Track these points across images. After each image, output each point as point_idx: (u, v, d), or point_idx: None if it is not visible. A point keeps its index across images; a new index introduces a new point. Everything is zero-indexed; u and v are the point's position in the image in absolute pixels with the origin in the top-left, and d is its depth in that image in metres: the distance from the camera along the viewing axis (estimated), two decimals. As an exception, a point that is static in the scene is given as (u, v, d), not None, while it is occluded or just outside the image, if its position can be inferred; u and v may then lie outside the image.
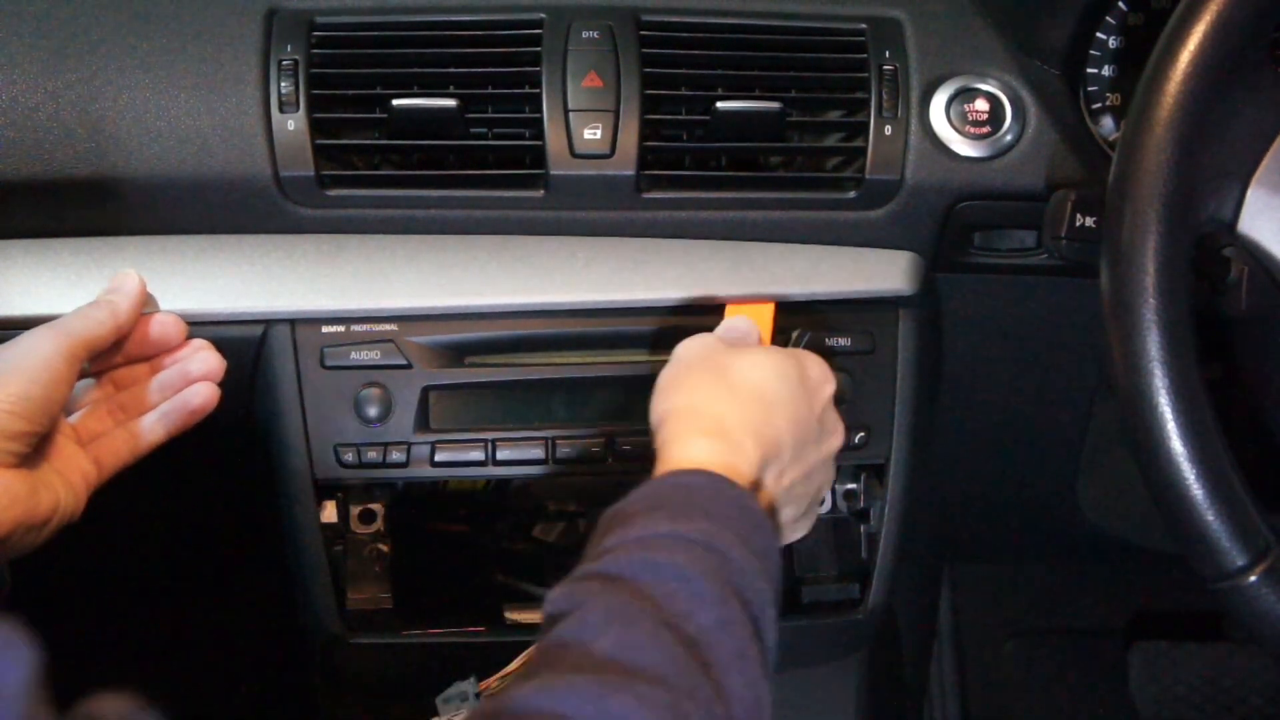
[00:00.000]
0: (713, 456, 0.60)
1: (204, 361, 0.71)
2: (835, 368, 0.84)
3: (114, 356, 0.70)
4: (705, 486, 0.58)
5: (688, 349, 0.70)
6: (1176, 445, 0.60)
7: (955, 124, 0.80)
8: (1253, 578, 0.61)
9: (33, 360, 0.62)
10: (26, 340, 0.64)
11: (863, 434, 0.86)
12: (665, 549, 0.53)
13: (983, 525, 1.21)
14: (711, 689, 0.48)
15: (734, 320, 0.77)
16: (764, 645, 0.53)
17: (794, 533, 0.70)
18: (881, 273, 0.83)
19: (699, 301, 0.82)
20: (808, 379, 0.68)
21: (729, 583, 0.53)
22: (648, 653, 0.48)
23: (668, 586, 0.51)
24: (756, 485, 0.62)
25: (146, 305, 0.71)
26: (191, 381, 0.71)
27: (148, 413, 0.71)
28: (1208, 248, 0.67)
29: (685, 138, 0.81)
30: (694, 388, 0.66)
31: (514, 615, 0.88)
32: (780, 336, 0.85)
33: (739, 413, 0.63)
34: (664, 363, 0.84)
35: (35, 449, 0.63)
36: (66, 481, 0.65)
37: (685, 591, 0.51)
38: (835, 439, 0.70)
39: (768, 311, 0.80)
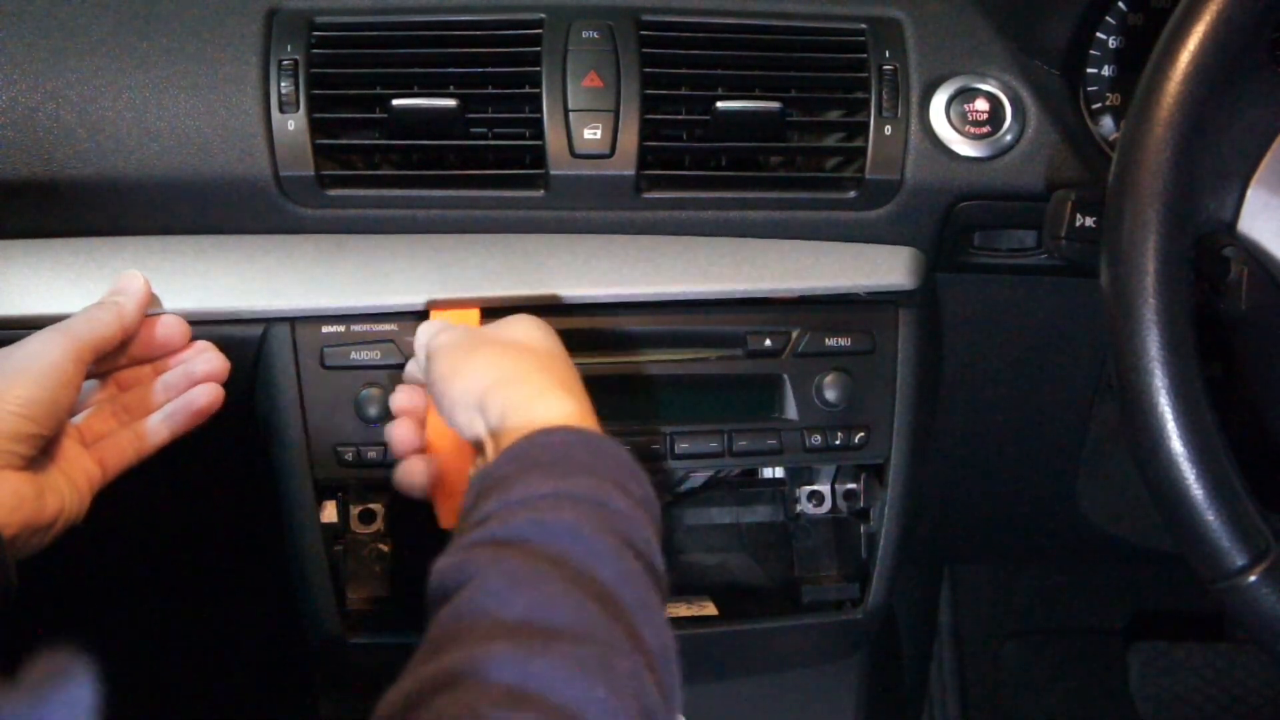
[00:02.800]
0: (563, 411, 0.59)
1: (208, 362, 0.72)
2: (835, 368, 0.85)
3: (119, 358, 0.71)
4: (575, 441, 0.57)
5: (444, 337, 0.67)
6: (1176, 445, 0.60)
7: (955, 124, 0.80)
8: (1252, 578, 0.61)
9: (40, 363, 0.63)
10: (34, 343, 0.64)
11: (863, 434, 0.86)
12: (551, 508, 0.52)
13: (983, 525, 1.21)
14: (629, 639, 0.48)
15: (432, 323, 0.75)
16: (662, 592, 0.53)
17: None
18: (883, 268, 0.83)
19: (698, 298, 0.82)
20: (550, 331, 0.68)
21: (620, 534, 0.52)
22: (563, 611, 0.47)
23: (562, 544, 0.50)
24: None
25: (151, 306, 0.71)
26: (196, 382, 0.72)
27: (152, 414, 0.71)
28: (1208, 248, 0.67)
29: (685, 138, 0.81)
30: (490, 363, 0.64)
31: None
32: (780, 336, 0.85)
33: (549, 371, 0.63)
34: (664, 361, 0.84)
35: (42, 451, 0.64)
36: (71, 483, 0.65)
37: (581, 548, 0.50)
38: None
39: (473, 316, 0.79)
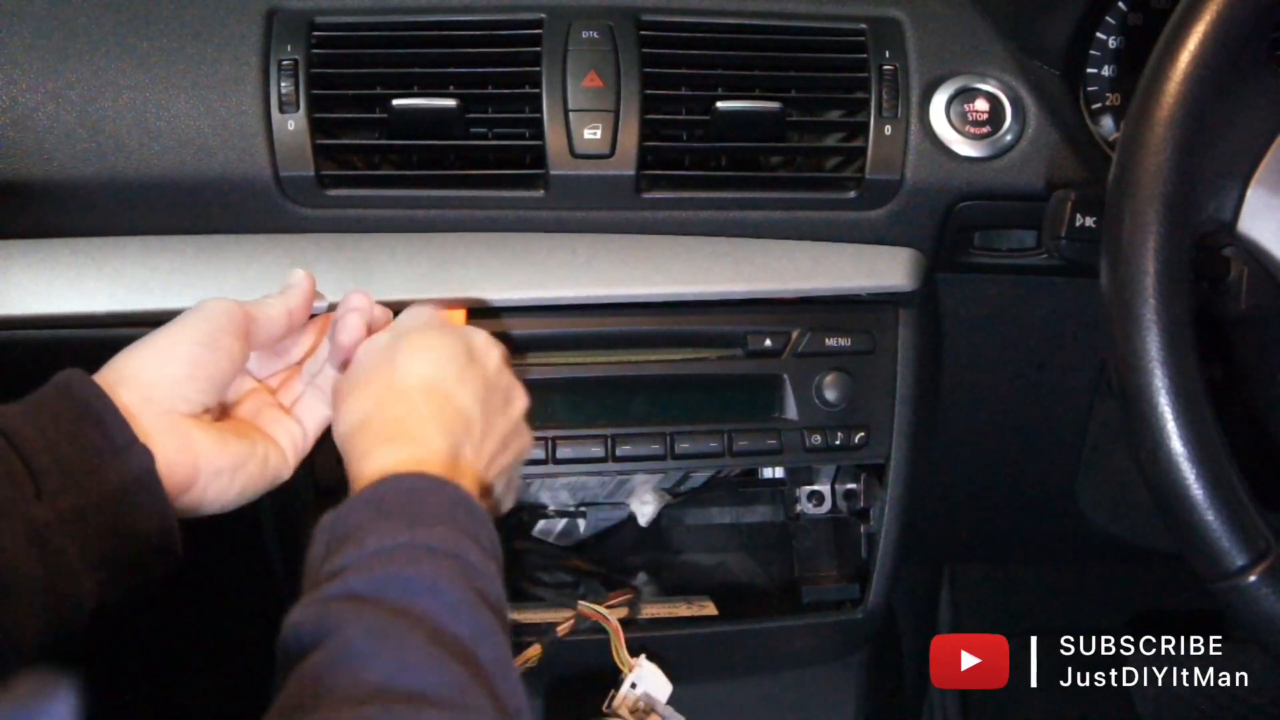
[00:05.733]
0: (398, 459, 0.58)
1: (348, 303, 0.72)
2: (835, 368, 0.85)
3: (295, 348, 0.73)
4: (428, 489, 0.56)
5: (365, 351, 0.68)
6: (1176, 445, 0.60)
7: (955, 124, 0.80)
8: (1253, 578, 0.61)
9: (209, 326, 0.64)
10: (208, 304, 0.66)
11: (863, 434, 0.86)
12: (408, 560, 0.51)
13: (983, 525, 1.21)
14: (492, 704, 0.47)
15: (414, 309, 0.74)
16: (510, 648, 0.52)
17: (505, 505, 0.70)
18: (882, 269, 0.83)
19: (697, 299, 0.82)
20: (475, 349, 0.67)
21: (476, 589, 0.51)
22: (426, 674, 0.45)
23: (421, 600, 0.49)
24: (456, 470, 0.60)
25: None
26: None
27: (325, 367, 0.73)
28: (1208, 248, 0.67)
29: (685, 138, 0.81)
30: (365, 396, 0.63)
31: (513, 615, 0.88)
32: (780, 336, 0.85)
33: (414, 410, 0.62)
34: (664, 361, 0.84)
35: (228, 407, 0.68)
36: (270, 440, 0.67)
37: (440, 603, 0.49)
38: (519, 400, 0.70)
39: (459, 318, 0.79)
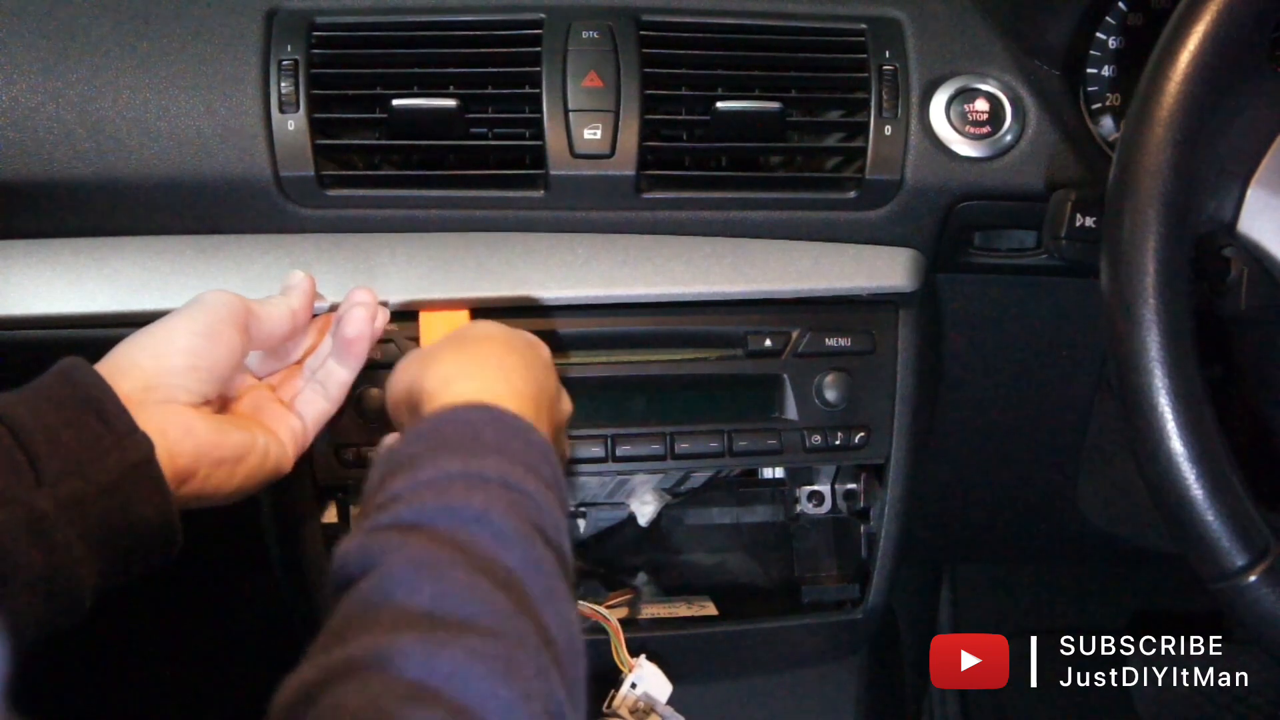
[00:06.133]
0: (478, 389, 0.58)
1: (353, 299, 0.73)
2: (835, 368, 0.85)
3: (295, 349, 0.74)
4: (487, 421, 0.56)
5: (404, 358, 0.68)
6: (1176, 445, 0.60)
7: (955, 124, 0.80)
8: (1253, 578, 0.61)
9: (210, 317, 0.65)
10: (210, 295, 0.66)
11: (862, 434, 0.86)
12: (459, 490, 0.51)
13: (983, 525, 1.21)
14: (536, 632, 0.47)
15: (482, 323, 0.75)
16: (569, 578, 0.52)
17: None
18: (882, 270, 0.83)
19: (697, 299, 0.82)
20: (530, 340, 0.68)
21: (528, 518, 0.51)
22: (469, 603, 0.46)
23: (469, 529, 0.49)
24: (524, 409, 0.60)
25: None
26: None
27: (327, 362, 0.73)
28: (1208, 248, 0.67)
29: (685, 138, 0.81)
30: (428, 359, 0.63)
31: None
32: (780, 336, 0.85)
33: (487, 357, 0.62)
34: (664, 361, 0.84)
35: (229, 402, 0.69)
36: (269, 432, 0.68)
37: (488, 533, 0.49)
38: (567, 402, 0.70)
39: (462, 318, 0.79)
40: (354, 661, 0.42)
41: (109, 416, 0.57)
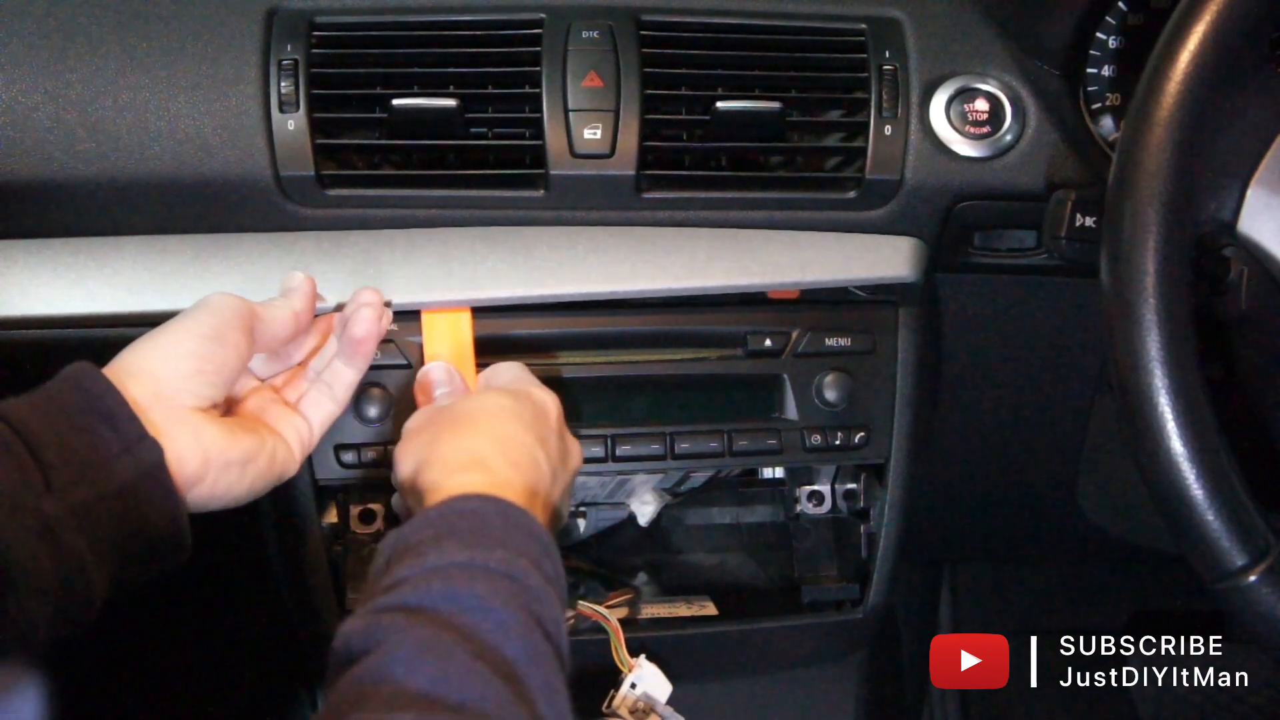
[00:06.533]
0: (468, 482, 0.60)
1: (359, 299, 0.73)
2: (835, 368, 0.85)
3: (298, 351, 0.74)
4: (493, 512, 0.57)
5: (413, 421, 0.70)
6: (1176, 445, 0.60)
7: (955, 124, 0.80)
8: (1253, 578, 0.61)
9: (215, 320, 0.65)
10: (215, 298, 0.66)
11: (863, 434, 0.86)
12: (464, 579, 0.51)
13: (983, 525, 1.21)
14: None
15: (432, 370, 0.76)
16: (565, 674, 0.52)
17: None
18: (884, 260, 0.83)
19: (697, 293, 0.82)
20: (536, 400, 0.69)
21: (531, 611, 0.52)
22: (468, 687, 0.46)
23: (473, 618, 0.50)
24: (527, 501, 0.61)
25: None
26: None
27: (333, 361, 0.74)
28: (1208, 248, 0.67)
29: (685, 138, 0.81)
30: (434, 439, 0.65)
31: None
32: (780, 336, 0.85)
33: (490, 445, 0.63)
34: (664, 361, 0.84)
35: (234, 404, 0.69)
36: (277, 435, 0.68)
37: (491, 622, 0.50)
38: (576, 456, 0.71)
39: (464, 318, 0.79)
40: None
41: (119, 423, 0.58)
